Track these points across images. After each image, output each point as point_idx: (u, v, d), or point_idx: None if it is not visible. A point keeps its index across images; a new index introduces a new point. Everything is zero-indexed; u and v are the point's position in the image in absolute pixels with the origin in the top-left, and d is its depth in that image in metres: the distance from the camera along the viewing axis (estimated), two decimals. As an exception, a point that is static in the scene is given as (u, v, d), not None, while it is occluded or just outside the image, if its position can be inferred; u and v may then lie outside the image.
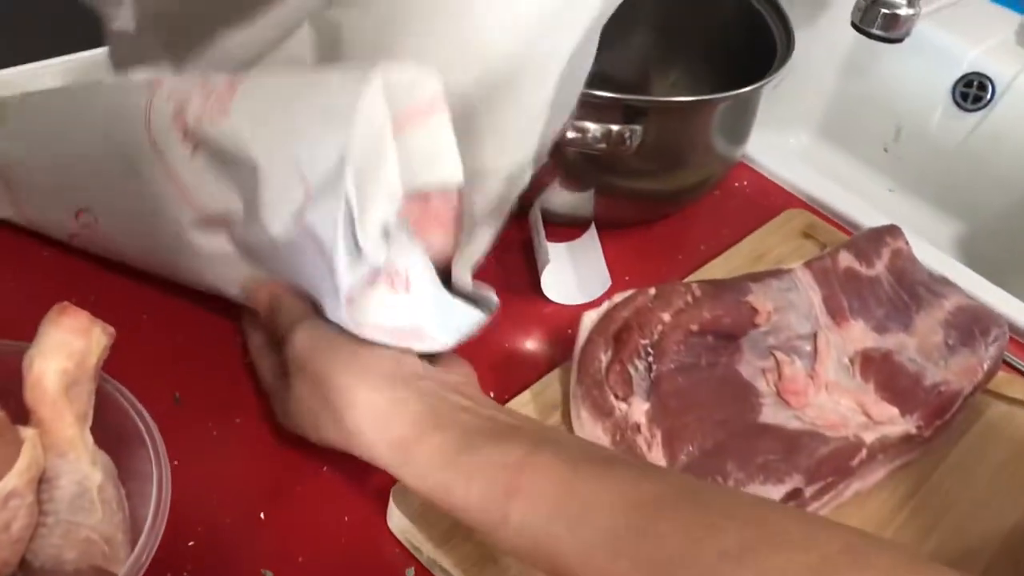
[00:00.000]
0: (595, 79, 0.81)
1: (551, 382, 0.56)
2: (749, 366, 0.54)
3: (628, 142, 0.60)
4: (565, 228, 0.68)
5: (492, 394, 0.57)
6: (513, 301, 0.64)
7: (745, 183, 0.77)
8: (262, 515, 0.48)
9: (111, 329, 0.40)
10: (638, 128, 0.60)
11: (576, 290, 0.64)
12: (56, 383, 0.38)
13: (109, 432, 0.42)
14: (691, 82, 0.76)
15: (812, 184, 0.77)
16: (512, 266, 0.66)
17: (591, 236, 0.67)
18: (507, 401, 0.56)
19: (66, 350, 0.39)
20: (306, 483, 0.50)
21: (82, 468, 0.39)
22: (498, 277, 0.64)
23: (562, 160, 0.65)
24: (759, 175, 0.78)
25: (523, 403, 0.55)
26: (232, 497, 0.48)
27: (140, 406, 0.42)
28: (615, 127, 0.60)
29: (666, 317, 0.54)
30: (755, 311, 0.55)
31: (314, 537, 0.48)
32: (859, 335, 0.58)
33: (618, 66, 0.78)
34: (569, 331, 0.62)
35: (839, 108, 1.03)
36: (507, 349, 0.60)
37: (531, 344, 0.61)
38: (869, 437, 0.52)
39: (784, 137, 1.04)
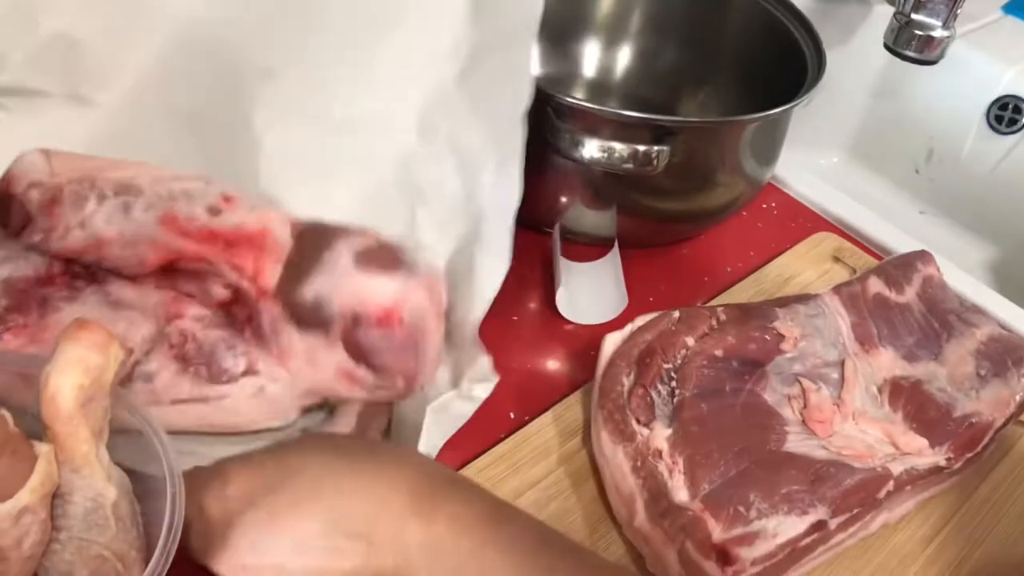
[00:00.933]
0: (623, 98, 0.81)
1: (572, 404, 0.56)
2: (774, 393, 0.53)
3: (655, 163, 0.59)
4: (588, 247, 0.67)
5: (512, 414, 0.56)
6: (534, 320, 0.63)
7: (773, 204, 0.76)
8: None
9: (129, 344, 0.40)
10: (666, 149, 0.59)
11: (592, 310, 0.63)
12: (72, 399, 0.38)
13: (124, 448, 0.41)
14: (720, 102, 0.75)
15: (842, 207, 0.75)
16: (533, 284, 0.66)
17: (613, 256, 0.66)
18: (528, 422, 0.55)
19: (83, 366, 0.38)
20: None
21: (96, 484, 0.39)
22: (519, 295, 0.64)
23: (586, 178, 0.64)
24: (788, 196, 0.77)
25: (544, 425, 0.54)
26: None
27: (155, 423, 0.41)
28: (642, 147, 0.59)
29: (690, 341, 0.53)
30: (781, 337, 0.54)
31: None
32: (888, 363, 0.57)
33: (646, 85, 0.77)
34: (591, 352, 0.61)
35: (870, 129, 1.02)
36: (527, 369, 0.60)
37: (552, 364, 0.60)
38: (897, 468, 0.50)
39: (813, 157, 1.02)
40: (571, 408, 0.55)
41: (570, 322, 0.63)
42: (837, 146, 1.04)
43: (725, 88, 0.76)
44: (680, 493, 0.48)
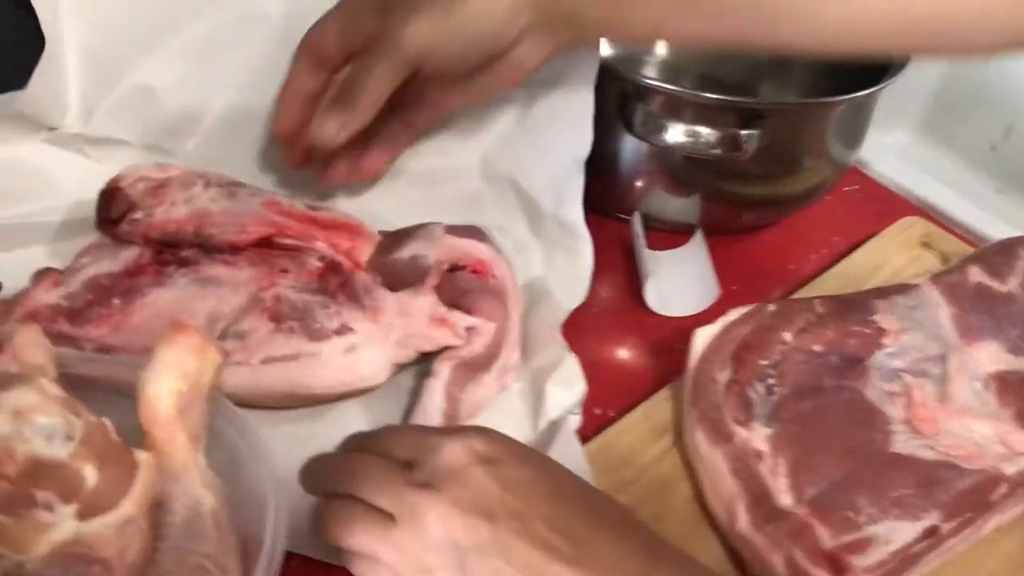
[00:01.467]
0: (698, 79, 0.78)
1: (661, 402, 0.54)
2: (875, 390, 0.51)
3: (744, 147, 0.57)
4: (668, 234, 0.65)
5: (597, 411, 0.54)
6: (615, 311, 0.62)
7: (856, 187, 0.73)
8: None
9: (226, 348, 0.39)
10: (756, 133, 0.57)
11: (682, 301, 0.61)
12: (170, 405, 0.37)
13: (221, 453, 0.40)
14: (801, 83, 0.72)
15: (927, 189, 0.73)
16: (610, 274, 0.64)
17: (697, 243, 0.64)
18: (614, 420, 0.53)
19: (180, 370, 0.37)
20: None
21: (195, 492, 0.38)
22: (595, 286, 0.62)
23: (667, 163, 0.62)
24: (870, 179, 0.74)
25: (632, 424, 0.53)
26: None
27: (253, 427, 0.40)
28: (730, 131, 0.57)
29: (787, 336, 0.51)
30: (882, 331, 0.52)
31: None
32: (991, 357, 0.54)
33: (721, 65, 0.74)
34: (675, 344, 0.59)
35: (944, 105, 0.98)
36: (610, 363, 0.58)
37: (636, 357, 0.59)
38: (1009, 469, 0.48)
39: (883, 135, 0.99)
40: (660, 405, 0.53)
41: (652, 312, 0.61)
42: (908, 122, 1.00)
43: (801, 68, 0.73)
44: (784, 497, 0.46)
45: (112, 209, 0.51)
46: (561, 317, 0.55)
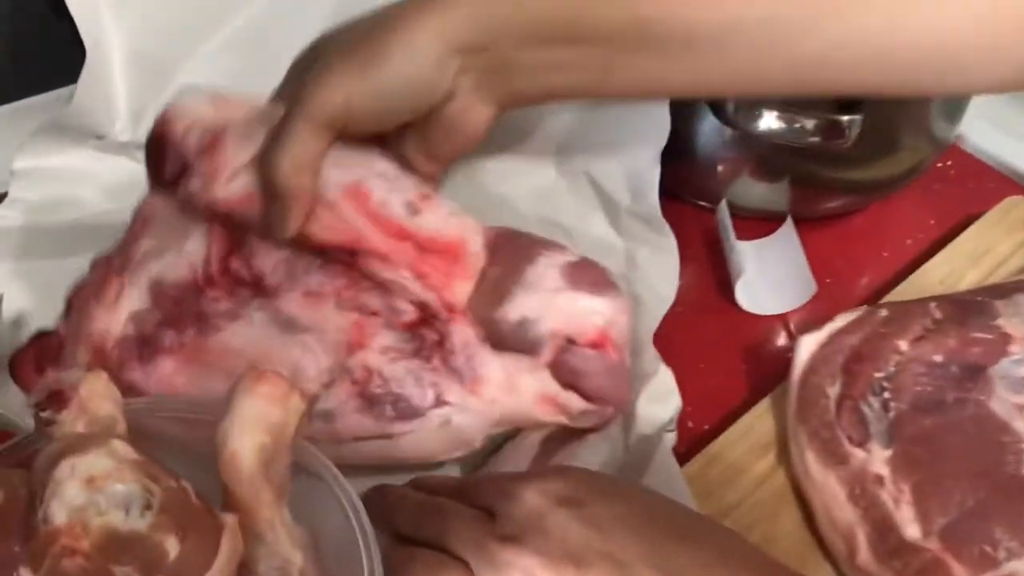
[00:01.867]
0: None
1: (762, 414, 0.50)
2: (1002, 402, 0.46)
3: (847, 134, 0.52)
4: (751, 221, 0.61)
5: (690, 424, 0.51)
6: (701, 310, 0.57)
7: (949, 163, 0.68)
8: None
9: (310, 392, 0.35)
10: (858, 118, 0.52)
11: (776, 297, 0.57)
12: (253, 461, 0.34)
13: (305, 500, 0.37)
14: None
15: (1028, 163, 0.67)
16: (694, 267, 0.60)
17: (787, 232, 0.59)
18: (709, 435, 0.50)
19: (263, 423, 0.34)
20: None
21: (282, 551, 0.35)
22: (681, 281, 0.58)
23: (754, 148, 0.58)
24: (967, 155, 0.69)
25: (732, 441, 0.49)
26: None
27: (338, 474, 0.37)
28: (831, 117, 0.52)
29: (903, 345, 0.47)
30: (1007, 336, 0.48)
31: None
32: (1122, 360, 0.50)
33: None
34: (771, 347, 0.56)
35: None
36: (699, 369, 0.54)
37: (728, 363, 0.55)
38: None
39: (978, 105, 0.93)
40: (761, 419, 0.50)
41: (741, 311, 0.57)
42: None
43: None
44: (910, 527, 0.42)
45: (164, 167, 0.45)
46: (652, 325, 0.51)
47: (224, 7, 0.56)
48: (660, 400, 0.48)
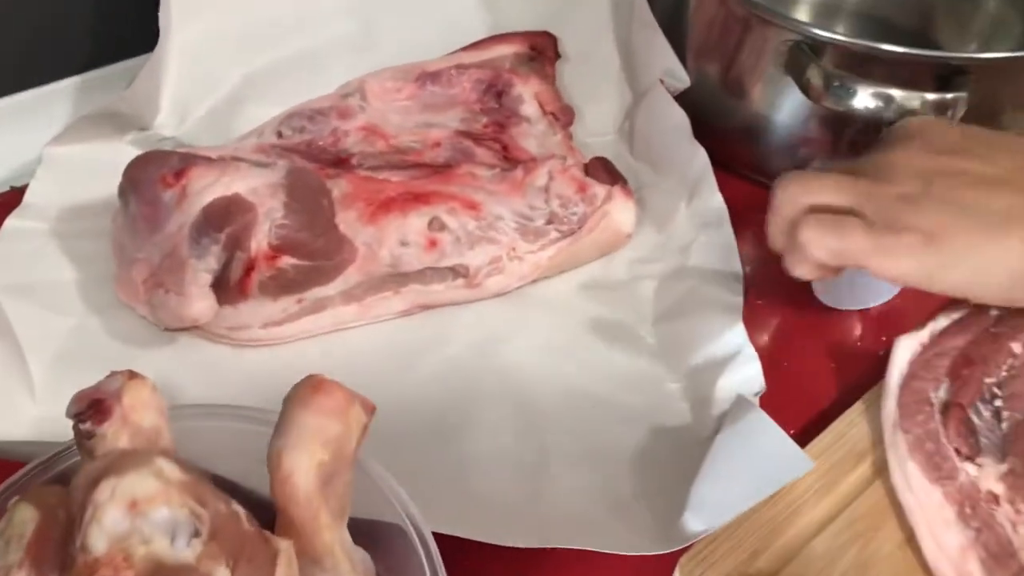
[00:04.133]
0: (858, 21, 0.67)
1: (855, 420, 0.46)
2: None
3: (951, 114, 0.47)
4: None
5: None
6: (781, 304, 0.53)
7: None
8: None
9: (371, 403, 0.32)
10: (963, 95, 0.47)
11: (855, 292, 0.52)
12: (310, 481, 0.30)
13: (364, 520, 0.34)
14: (989, 24, 0.61)
15: None
16: (772, 256, 0.55)
17: None
18: (794, 438, 0.46)
19: (321, 438, 0.31)
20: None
21: (341, 577, 0.32)
22: (757, 271, 0.53)
23: (843, 128, 0.53)
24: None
25: (824, 448, 0.44)
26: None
27: (399, 490, 0.34)
28: (931, 96, 0.47)
29: (1016, 348, 0.43)
30: None
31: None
32: None
33: (893, 7, 0.64)
34: (861, 345, 0.51)
35: None
36: (783, 368, 0.50)
37: (814, 363, 0.50)
38: None
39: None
40: (854, 426, 0.45)
41: (824, 305, 0.52)
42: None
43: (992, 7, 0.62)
44: (1031, 553, 0.38)
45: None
46: (735, 301, 0.49)
47: (282, 35, 0.57)
48: (742, 383, 0.45)
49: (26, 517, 0.29)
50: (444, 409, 0.45)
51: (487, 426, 0.45)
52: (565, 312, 0.51)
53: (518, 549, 0.38)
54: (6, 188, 0.56)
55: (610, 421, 0.46)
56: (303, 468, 0.30)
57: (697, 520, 0.38)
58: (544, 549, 0.38)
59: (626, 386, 0.48)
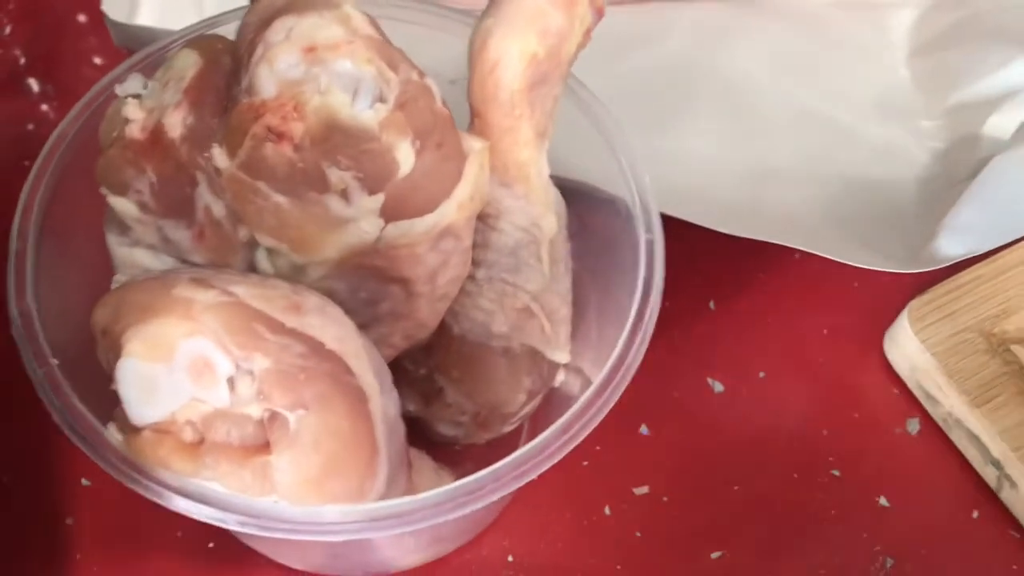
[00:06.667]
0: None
1: None
2: None
3: None
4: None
5: None
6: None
7: None
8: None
9: (600, 2, 0.26)
10: None
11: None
12: (519, 75, 0.25)
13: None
14: None
15: None
16: None
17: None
18: None
19: (539, 25, 0.25)
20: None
21: (533, 210, 0.27)
22: None
23: None
24: None
25: None
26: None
27: (626, 139, 0.28)
28: None
29: None
30: None
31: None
32: None
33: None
34: None
35: None
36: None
37: None
38: None
39: None
40: None
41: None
42: None
43: None
44: None
45: None
46: None
47: None
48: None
49: (188, 62, 0.25)
50: (659, 106, 0.39)
51: (705, 129, 0.39)
52: (808, 26, 0.43)
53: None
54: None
55: (842, 148, 0.39)
56: (513, 57, 0.25)
57: (955, 243, 0.32)
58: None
59: (867, 116, 0.41)
